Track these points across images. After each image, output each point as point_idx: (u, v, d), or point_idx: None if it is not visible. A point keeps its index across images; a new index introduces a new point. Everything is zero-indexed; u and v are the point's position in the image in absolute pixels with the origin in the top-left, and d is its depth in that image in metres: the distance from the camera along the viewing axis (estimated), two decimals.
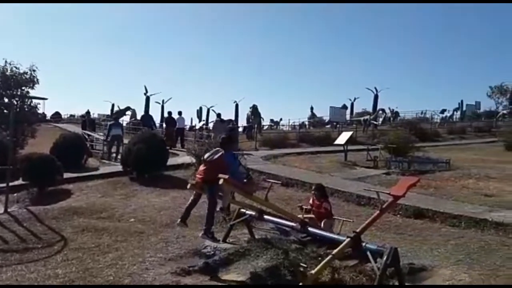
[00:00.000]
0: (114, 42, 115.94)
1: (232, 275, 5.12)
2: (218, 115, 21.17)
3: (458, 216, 7.27)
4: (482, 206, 8.23)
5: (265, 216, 6.15)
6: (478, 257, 5.51)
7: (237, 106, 40.81)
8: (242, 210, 6.30)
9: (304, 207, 6.66)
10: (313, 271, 4.30)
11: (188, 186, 6.07)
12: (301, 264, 4.40)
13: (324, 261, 4.48)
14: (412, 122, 27.86)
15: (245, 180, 6.06)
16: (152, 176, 11.56)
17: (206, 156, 5.79)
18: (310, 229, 5.64)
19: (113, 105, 42.26)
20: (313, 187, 6.91)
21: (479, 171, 13.08)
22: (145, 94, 42.27)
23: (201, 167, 5.81)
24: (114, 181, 11.30)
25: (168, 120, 20.63)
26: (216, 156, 5.63)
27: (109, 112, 39.92)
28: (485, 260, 5.37)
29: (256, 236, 6.29)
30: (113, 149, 15.95)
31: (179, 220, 5.80)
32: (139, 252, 5.86)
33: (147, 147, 11.53)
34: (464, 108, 41.09)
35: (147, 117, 25.74)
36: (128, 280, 4.91)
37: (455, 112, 40.74)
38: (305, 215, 6.33)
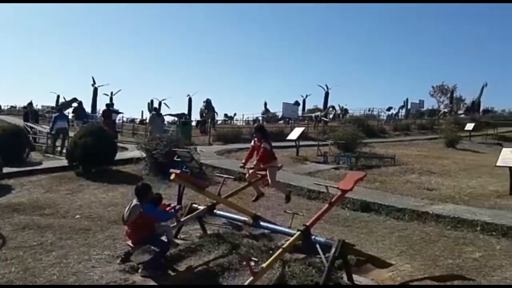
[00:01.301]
0: (59, 30, 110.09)
1: (182, 271, 5.06)
2: (155, 109, 21.27)
3: (402, 209, 7.63)
4: (424, 199, 8.71)
5: (217, 211, 6.12)
6: (420, 248, 5.83)
7: (190, 100, 40.33)
8: (194, 205, 6.23)
9: (246, 166, 6.63)
10: (264, 265, 4.35)
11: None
12: (252, 258, 4.42)
13: (275, 254, 4.54)
14: (360, 119, 28.94)
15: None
16: (99, 170, 11.12)
17: (125, 215, 5.13)
18: (261, 223, 5.69)
19: (58, 96, 40.43)
20: (253, 130, 6.97)
21: (421, 166, 13.85)
22: (92, 85, 40.64)
23: (126, 229, 5.24)
24: (59, 176, 10.73)
25: (105, 112, 19.79)
26: (134, 216, 5.02)
27: (54, 104, 38.01)
28: (426, 251, 5.69)
29: (208, 232, 6.25)
30: (58, 143, 15.16)
31: None
32: (85, 250, 5.62)
33: (94, 141, 11.04)
34: (409, 106, 43.18)
35: (79, 108, 25.09)
36: (73, 279, 4.69)
37: (400, 110, 42.71)
38: (250, 170, 6.45)
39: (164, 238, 5.30)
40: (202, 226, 6.34)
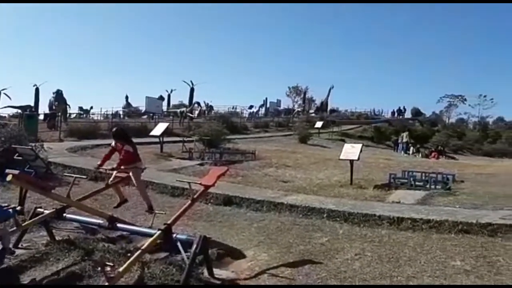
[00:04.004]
0: None
1: (24, 284, 4.42)
2: None
3: (260, 201, 8.03)
4: (280, 191, 9.34)
5: (67, 215, 5.52)
6: (276, 237, 6.22)
7: (37, 90, 35.67)
8: (39, 209, 5.51)
9: (103, 168, 6.28)
10: (120, 269, 4.07)
11: None
12: (107, 263, 4.10)
13: (133, 257, 4.31)
14: (224, 116, 29.83)
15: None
16: None
17: None
18: (119, 225, 5.33)
19: None
20: (112, 134, 6.54)
21: (278, 160, 14.90)
22: None
23: None
24: None
25: None
26: None
27: None
28: (281, 239, 6.09)
29: (57, 238, 5.61)
30: None
31: None
32: None
33: None
34: (268, 105, 46.13)
35: None
36: None
37: (260, 108, 45.32)
38: (116, 174, 6.11)
39: None
40: (49, 232, 5.64)
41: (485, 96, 60.59)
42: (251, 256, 5.39)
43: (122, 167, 6.03)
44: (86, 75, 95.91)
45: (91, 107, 42.94)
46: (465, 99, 61.87)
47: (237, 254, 5.45)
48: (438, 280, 4.53)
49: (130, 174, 6.09)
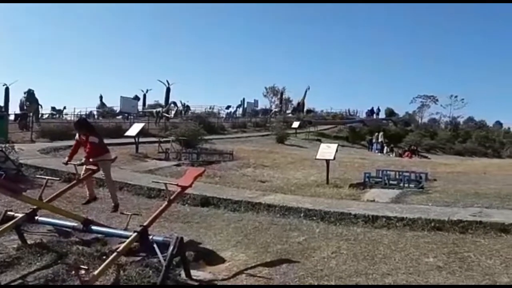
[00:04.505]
0: None
1: None
2: None
3: (238, 201, 8.04)
4: (258, 191, 9.37)
5: (40, 218, 5.37)
6: (254, 236, 6.24)
7: (7, 90, 34.47)
8: (10, 212, 5.33)
9: (71, 163, 6.11)
10: (95, 272, 4.00)
11: None
12: (82, 266, 4.01)
13: (108, 259, 4.23)
14: (201, 116, 29.70)
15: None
16: None
17: None
18: (93, 227, 5.22)
19: None
20: (74, 126, 6.39)
21: (256, 160, 14.95)
22: None
23: None
24: None
25: None
26: None
27: None
28: (259, 239, 6.11)
29: (29, 241, 5.44)
30: None
31: None
32: None
33: None
34: (245, 105, 46.10)
35: None
36: None
37: (238, 109, 45.26)
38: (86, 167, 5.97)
39: None
40: (20, 236, 5.46)
41: (456, 97, 62.41)
42: (228, 256, 5.39)
43: (90, 159, 5.92)
44: (59, 74, 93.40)
45: (64, 107, 41.75)
46: (437, 100, 63.55)
47: (215, 255, 5.44)
48: (412, 277, 4.64)
49: (99, 166, 5.99)
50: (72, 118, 35.08)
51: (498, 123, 58.48)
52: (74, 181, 6.08)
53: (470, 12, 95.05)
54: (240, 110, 45.54)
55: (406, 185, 10.47)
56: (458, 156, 33.31)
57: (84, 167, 6.10)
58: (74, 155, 6.21)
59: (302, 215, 7.28)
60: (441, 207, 7.67)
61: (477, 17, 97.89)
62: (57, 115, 39.42)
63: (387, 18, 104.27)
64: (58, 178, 6.97)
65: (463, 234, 6.08)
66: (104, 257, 4.71)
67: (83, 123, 6.22)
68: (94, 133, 6.06)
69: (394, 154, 28.48)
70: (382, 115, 53.58)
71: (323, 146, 11.74)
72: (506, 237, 5.90)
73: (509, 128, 53.35)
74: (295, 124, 32.33)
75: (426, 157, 28.34)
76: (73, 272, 4.01)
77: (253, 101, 47.17)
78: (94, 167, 6.05)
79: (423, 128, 48.33)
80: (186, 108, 39.91)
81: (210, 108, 44.10)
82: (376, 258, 5.20)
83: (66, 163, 6.20)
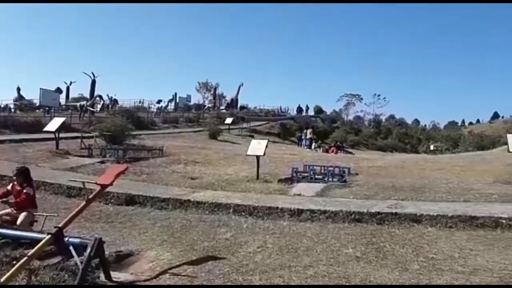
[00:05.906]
0: None
1: None
2: None
3: (166, 199, 7.86)
4: (188, 188, 9.23)
5: None
6: (181, 235, 6.13)
7: None
8: None
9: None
10: (3, 279, 3.67)
11: None
12: None
13: (18, 264, 3.91)
14: (130, 111, 28.44)
15: None
16: None
17: None
18: (2, 230, 4.79)
19: None
20: (14, 172, 5.90)
21: (187, 157, 14.68)
22: None
23: None
24: None
25: None
26: None
27: None
28: (185, 236, 6.03)
29: None
30: None
31: None
32: None
33: None
34: (177, 100, 45.12)
35: None
36: None
37: (169, 103, 44.14)
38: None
39: None
40: None
41: (379, 95, 66.86)
42: (153, 256, 5.24)
43: (15, 211, 5.62)
44: None
45: None
46: (362, 98, 67.63)
47: (138, 255, 5.26)
48: (332, 268, 4.85)
49: (20, 216, 5.59)
50: None
51: (416, 121, 63.66)
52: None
53: (396, 16, 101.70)
54: (172, 105, 44.50)
55: (330, 179, 10.92)
56: (380, 151, 35.61)
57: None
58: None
59: (231, 211, 7.29)
60: (361, 200, 8.12)
61: (404, 20, 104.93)
62: None
63: (319, 18, 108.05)
64: None
65: (380, 225, 6.48)
66: (14, 262, 4.33)
67: (26, 173, 5.85)
68: (30, 184, 5.80)
69: (321, 149, 29.62)
70: (311, 112, 55.63)
71: (254, 142, 11.85)
72: (418, 227, 6.39)
73: (425, 126, 58.25)
74: (228, 120, 32.32)
75: (350, 152, 29.83)
76: None
77: (185, 96, 46.31)
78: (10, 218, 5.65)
79: (348, 125, 50.99)
80: (114, 101, 38.13)
81: (140, 102, 42.63)
82: (300, 251, 5.37)
83: None
